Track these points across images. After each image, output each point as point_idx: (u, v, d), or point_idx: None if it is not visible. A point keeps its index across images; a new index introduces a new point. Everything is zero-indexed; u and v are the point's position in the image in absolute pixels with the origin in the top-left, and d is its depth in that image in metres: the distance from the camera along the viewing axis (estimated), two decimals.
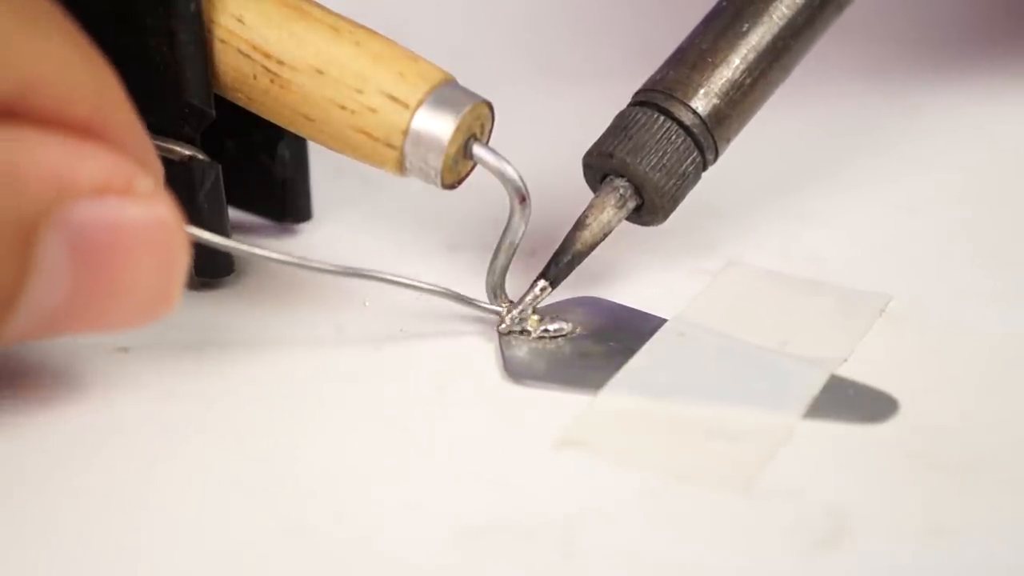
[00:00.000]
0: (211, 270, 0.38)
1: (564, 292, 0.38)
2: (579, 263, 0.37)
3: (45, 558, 0.29)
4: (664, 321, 0.37)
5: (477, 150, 0.35)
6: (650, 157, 0.36)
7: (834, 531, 0.30)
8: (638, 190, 0.37)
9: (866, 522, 0.30)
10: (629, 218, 0.37)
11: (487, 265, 0.36)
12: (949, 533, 0.30)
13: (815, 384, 0.34)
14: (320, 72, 0.35)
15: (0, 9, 0.28)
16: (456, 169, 0.35)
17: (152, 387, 0.34)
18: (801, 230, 0.42)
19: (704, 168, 0.37)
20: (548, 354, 0.36)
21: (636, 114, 0.37)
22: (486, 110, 0.35)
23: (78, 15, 0.32)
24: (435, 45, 0.38)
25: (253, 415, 0.34)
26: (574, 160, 0.39)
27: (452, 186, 0.35)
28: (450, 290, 0.36)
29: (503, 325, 0.36)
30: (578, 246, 0.37)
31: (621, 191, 0.37)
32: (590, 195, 0.38)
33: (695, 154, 0.37)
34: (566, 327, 0.37)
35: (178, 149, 0.36)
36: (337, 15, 0.35)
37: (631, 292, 0.38)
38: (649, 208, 0.37)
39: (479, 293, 0.37)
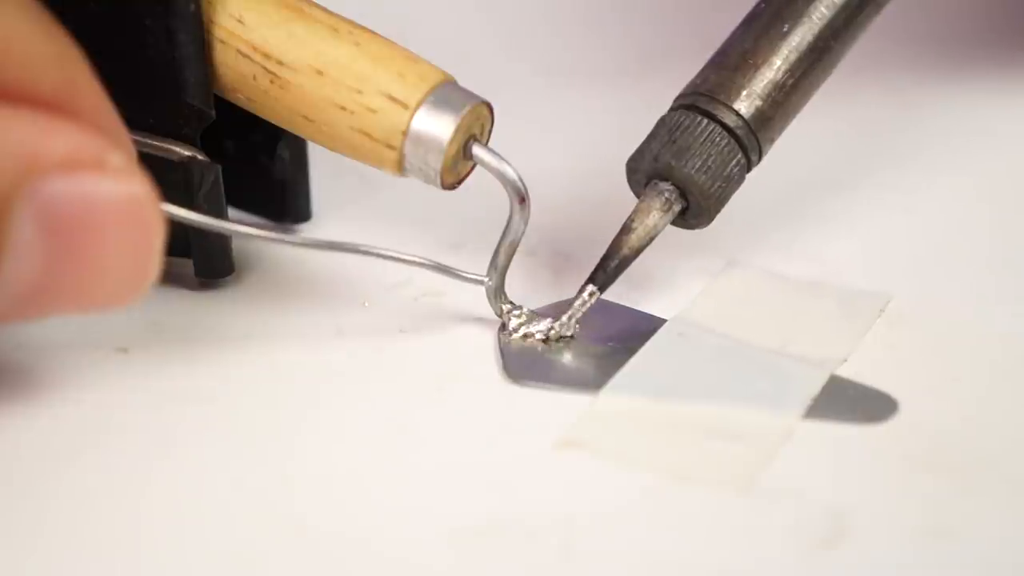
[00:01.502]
0: (211, 270, 0.38)
1: (565, 293, 0.38)
2: (626, 267, 0.37)
3: (44, 558, 0.29)
4: (664, 321, 0.37)
5: (477, 151, 0.35)
6: (695, 160, 0.36)
7: (834, 531, 0.30)
8: (683, 193, 0.37)
9: (866, 522, 0.30)
10: (674, 222, 0.37)
11: (487, 265, 0.36)
12: (949, 533, 0.30)
13: (815, 384, 0.34)
14: (320, 73, 0.35)
15: None
16: (456, 170, 0.35)
17: (151, 387, 0.34)
18: (801, 230, 0.42)
19: (748, 169, 0.37)
20: (548, 354, 0.36)
21: (680, 117, 0.37)
22: (486, 111, 0.35)
23: (77, 15, 0.32)
24: (435, 45, 0.38)
25: (252, 415, 0.34)
26: (575, 161, 0.39)
27: (452, 186, 0.35)
28: (432, 260, 0.36)
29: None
30: (625, 251, 0.37)
31: (667, 195, 0.37)
32: (590, 195, 0.38)
33: (739, 156, 0.37)
34: (566, 327, 0.37)
35: (178, 150, 0.36)
36: (337, 16, 0.35)
37: (631, 292, 0.38)
38: (695, 211, 0.37)
39: (479, 293, 0.37)
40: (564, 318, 0.36)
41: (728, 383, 0.35)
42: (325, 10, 0.35)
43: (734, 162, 0.37)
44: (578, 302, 0.36)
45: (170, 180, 0.36)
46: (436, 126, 0.34)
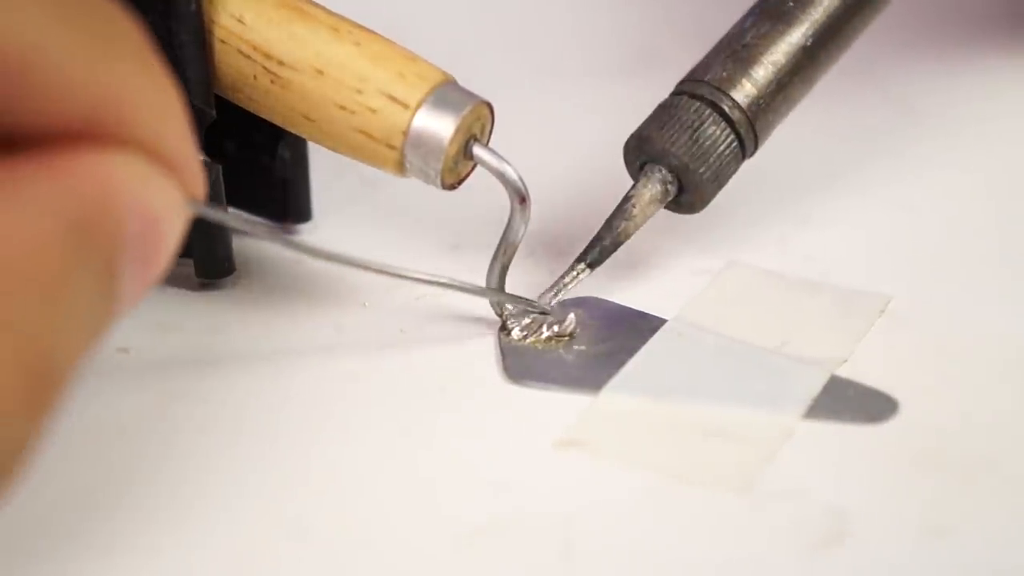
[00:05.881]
0: (211, 271, 0.38)
1: (565, 293, 0.38)
2: (617, 248, 0.37)
3: (44, 558, 0.29)
4: (664, 321, 0.37)
5: (477, 151, 0.35)
6: (690, 145, 0.37)
7: (834, 531, 0.30)
8: (678, 177, 0.37)
9: (866, 522, 0.30)
10: (668, 206, 0.37)
11: (487, 265, 0.36)
12: (949, 533, 0.30)
13: (815, 384, 0.34)
14: (320, 72, 0.35)
15: (79, 25, 0.26)
16: (456, 170, 0.35)
17: (152, 387, 0.34)
18: (801, 230, 0.42)
19: (743, 157, 0.38)
20: (548, 354, 0.36)
21: (677, 103, 0.37)
22: (486, 111, 0.35)
23: None
24: (435, 45, 0.38)
25: (253, 415, 0.34)
26: (575, 160, 0.39)
27: (452, 186, 0.35)
28: (449, 279, 0.35)
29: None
30: (619, 232, 0.37)
31: (660, 176, 0.37)
32: (590, 196, 0.38)
33: (734, 143, 0.37)
34: (566, 327, 0.37)
35: None
36: (337, 15, 0.35)
37: (631, 292, 0.38)
38: (688, 196, 0.37)
39: None
40: (550, 295, 0.37)
41: (728, 383, 0.35)
42: (325, 10, 0.35)
43: (729, 149, 0.37)
44: (567, 278, 0.37)
45: None
46: (436, 126, 0.34)
